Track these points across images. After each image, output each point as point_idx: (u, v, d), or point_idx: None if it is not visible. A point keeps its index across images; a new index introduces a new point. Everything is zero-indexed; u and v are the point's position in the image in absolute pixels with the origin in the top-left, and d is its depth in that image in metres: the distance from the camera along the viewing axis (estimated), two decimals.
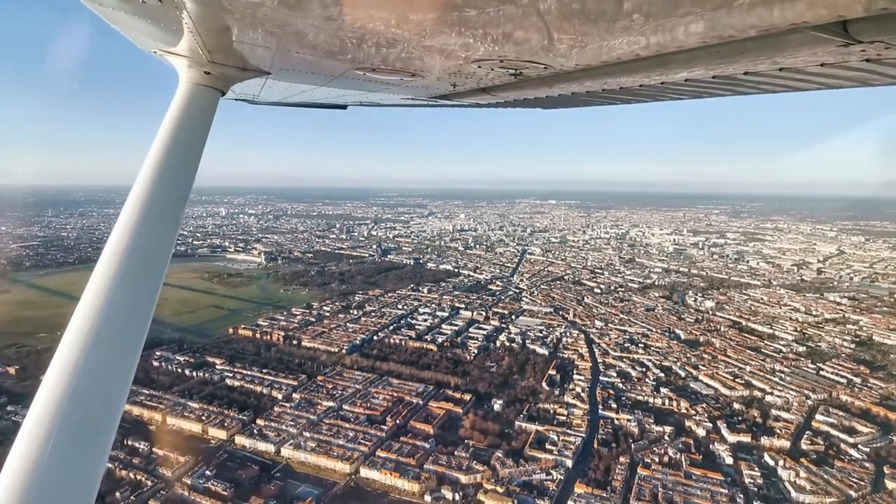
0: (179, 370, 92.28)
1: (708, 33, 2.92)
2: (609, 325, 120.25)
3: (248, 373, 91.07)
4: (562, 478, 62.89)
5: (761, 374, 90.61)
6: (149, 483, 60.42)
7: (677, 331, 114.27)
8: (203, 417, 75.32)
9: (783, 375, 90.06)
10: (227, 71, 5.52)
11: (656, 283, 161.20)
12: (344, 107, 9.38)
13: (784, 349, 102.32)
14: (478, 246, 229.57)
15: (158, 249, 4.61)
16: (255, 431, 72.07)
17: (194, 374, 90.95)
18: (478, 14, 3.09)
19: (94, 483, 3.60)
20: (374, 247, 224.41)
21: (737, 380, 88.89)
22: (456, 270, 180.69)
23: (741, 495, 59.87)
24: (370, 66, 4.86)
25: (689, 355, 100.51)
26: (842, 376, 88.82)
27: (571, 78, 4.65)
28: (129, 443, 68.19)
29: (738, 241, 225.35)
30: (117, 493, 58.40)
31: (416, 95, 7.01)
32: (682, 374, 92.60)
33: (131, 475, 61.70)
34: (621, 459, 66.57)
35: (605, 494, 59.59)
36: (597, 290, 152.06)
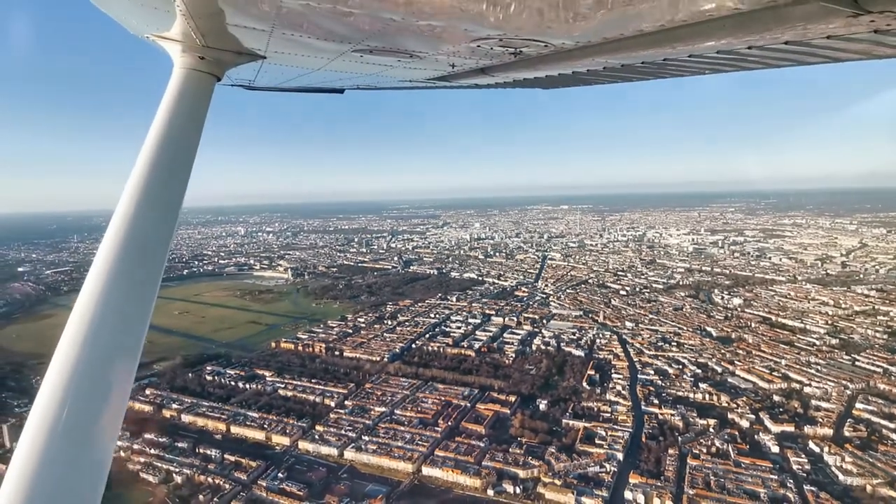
0: (232, 383, 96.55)
1: (713, 6, 2.89)
2: (640, 325, 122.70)
3: (298, 383, 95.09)
4: (615, 470, 65.72)
5: (797, 366, 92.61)
6: (227, 487, 64.36)
7: (708, 328, 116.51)
8: (265, 426, 79.34)
9: (819, 367, 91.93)
10: (221, 55, 5.50)
11: (680, 282, 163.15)
12: (341, 90, 9.38)
13: (817, 342, 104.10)
14: (497, 254, 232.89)
15: (157, 242, 4.63)
16: (316, 437, 75.82)
17: (247, 386, 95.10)
18: None
19: (99, 483, 3.62)
20: (396, 258, 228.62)
21: (774, 373, 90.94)
22: (480, 278, 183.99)
23: (791, 480, 62.25)
24: (367, 48, 4.83)
25: (723, 351, 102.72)
26: (877, 366, 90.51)
27: (572, 56, 4.64)
28: (201, 451, 72.50)
29: (757, 238, 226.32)
30: (200, 497, 62.54)
31: (415, 77, 7.04)
32: (719, 369, 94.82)
33: (209, 480, 65.78)
34: (670, 451, 69.16)
35: (659, 483, 62.35)
36: (622, 293, 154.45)
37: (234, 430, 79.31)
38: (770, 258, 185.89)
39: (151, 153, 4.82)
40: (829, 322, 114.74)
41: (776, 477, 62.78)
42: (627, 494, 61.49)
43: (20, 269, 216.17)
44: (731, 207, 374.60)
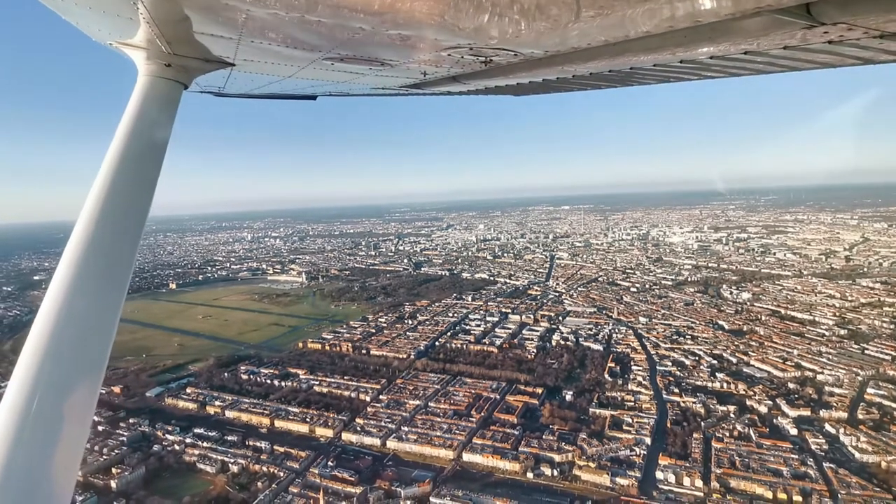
0: (268, 381, 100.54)
1: (674, 18, 3.03)
2: (653, 320, 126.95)
3: (332, 380, 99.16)
4: (645, 453, 69.98)
5: (809, 356, 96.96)
6: (281, 475, 68.36)
7: (720, 322, 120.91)
8: (307, 419, 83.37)
9: (830, 356, 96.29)
10: (188, 62, 5.40)
11: (688, 279, 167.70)
12: (314, 97, 9.36)
13: (827, 333, 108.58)
14: (505, 254, 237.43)
15: (122, 251, 4.58)
16: (357, 428, 79.87)
17: (283, 383, 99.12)
18: (447, 1, 3.24)
19: (68, 485, 3.68)
20: (406, 261, 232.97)
21: (787, 363, 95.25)
22: (492, 278, 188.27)
23: (811, 459, 66.57)
24: (338, 56, 4.85)
25: (736, 343, 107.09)
26: (887, 354, 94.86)
27: (541, 64, 4.78)
28: (251, 443, 76.55)
29: (760, 235, 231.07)
30: (259, 483, 66.55)
31: (387, 85, 7.06)
32: (734, 360, 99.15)
33: (264, 469, 69.82)
34: (695, 435, 73.44)
35: (687, 464, 66.58)
36: (633, 290, 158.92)
37: (278, 423, 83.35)
38: (774, 254, 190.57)
39: (116, 162, 4.74)
40: (837, 314, 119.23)
41: (796, 456, 67.11)
42: (658, 475, 65.70)
43: (36, 278, 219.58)
44: (731, 205, 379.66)
